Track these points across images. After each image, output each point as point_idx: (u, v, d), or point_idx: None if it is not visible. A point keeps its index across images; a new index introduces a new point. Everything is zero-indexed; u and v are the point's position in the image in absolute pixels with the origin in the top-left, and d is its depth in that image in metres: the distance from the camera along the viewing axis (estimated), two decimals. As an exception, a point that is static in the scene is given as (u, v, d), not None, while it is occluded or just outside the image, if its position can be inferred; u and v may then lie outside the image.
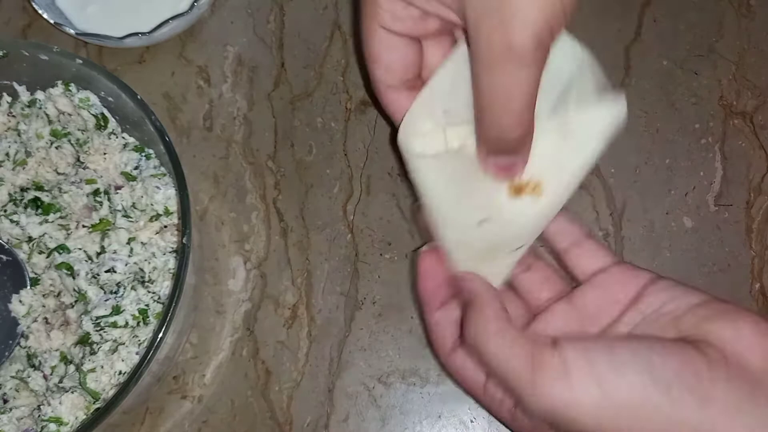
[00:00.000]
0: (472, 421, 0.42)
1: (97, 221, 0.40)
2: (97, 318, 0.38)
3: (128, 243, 0.40)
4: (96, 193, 0.40)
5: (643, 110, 0.46)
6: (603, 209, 0.45)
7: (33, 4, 0.43)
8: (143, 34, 0.43)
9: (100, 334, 0.38)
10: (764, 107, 0.46)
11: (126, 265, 0.39)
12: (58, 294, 0.40)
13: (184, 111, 0.46)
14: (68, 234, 0.40)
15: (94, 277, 0.39)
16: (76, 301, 0.39)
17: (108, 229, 0.40)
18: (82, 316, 0.38)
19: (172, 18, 0.43)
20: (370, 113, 0.46)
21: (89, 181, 0.40)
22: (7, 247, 0.40)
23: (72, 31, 0.43)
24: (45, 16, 0.43)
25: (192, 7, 0.43)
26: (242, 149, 0.45)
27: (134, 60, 0.47)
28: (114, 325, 0.38)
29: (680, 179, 0.45)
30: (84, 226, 0.40)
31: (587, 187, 0.45)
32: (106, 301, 0.38)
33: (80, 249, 0.40)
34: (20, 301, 0.39)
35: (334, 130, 0.46)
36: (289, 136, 0.46)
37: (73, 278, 0.39)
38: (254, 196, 0.45)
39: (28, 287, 0.40)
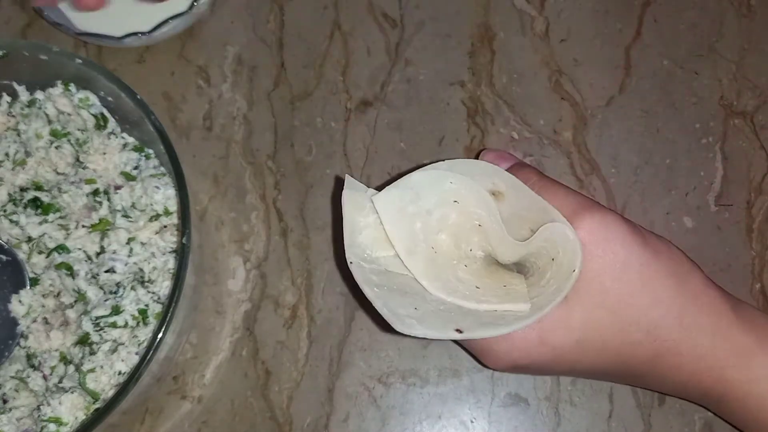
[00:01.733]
0: (472, 422, 0.42)
1: (97, 221, 0.40)
2: (97, 318, 0.38)
3: (128, 243, 0.40)
4: (95, 193, 0.40)
5: (643, 110, 0.46)
6: (603, 209, 0.45)
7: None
8: (143, 34, 0.43)
9: (99, 335, 0.38)
10: (765, 107, 0.46)
11: (125, 265, 0.39)
12: (58, 294, 0.40)
13: (183, 111, 0.46)
14: (68, 234, 0.40)
15: (93, 277, 0.39)
16: (75, 301, 0.39)
17: (108, 229, 0.40)
18: (82, 316, 0.38)
19: (172, 18, 0.43)
20: (370, 113, 0.46)
21: (89, 181, 0.40)
22: (6, 247, 0.40)
23: (72, 31, 0.43)
24: (45, 16, 0.43)
25: (192, 7, 0.43)
26: (242, 149, 0.46)
27: (134, 60, 0.47)
28: (113, 325, 0.38)
29: (680, 179, 0.45)
30: (83, 226, 0.40)
31: (587, 187, 0.45)
32: (105, 301, 0.38)
33: (80, 249, 0.40)
34: (20, 302, 0.39)
35: (334, 130, 0.46)
36: (289, 136, 0.46)
37: (73, 278, 0.39)
38: (254, 196, 0.45)
39: (28, 287, 0.40)
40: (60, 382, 0.38)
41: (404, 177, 0.34)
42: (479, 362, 0.38)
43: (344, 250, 0.32)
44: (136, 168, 0.41)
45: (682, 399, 0.40)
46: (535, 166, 0.40)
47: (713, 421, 0.42)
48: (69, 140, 0.41)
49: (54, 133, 0.40)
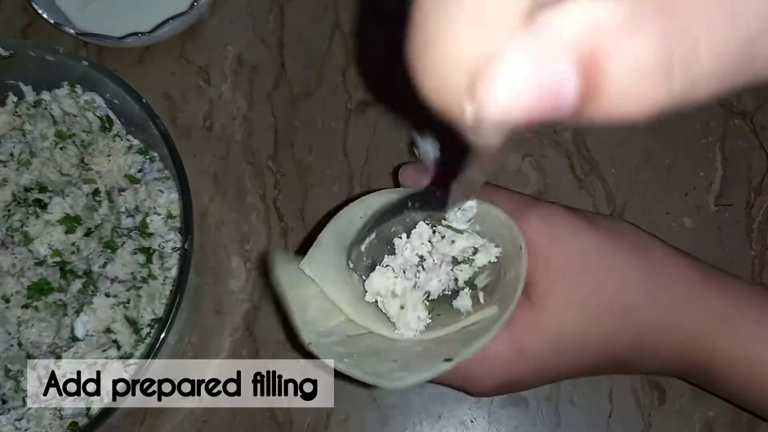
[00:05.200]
0: (472, 421, 0.43)
1: (99, 221, 0.41)
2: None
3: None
4: (96, 193, 0.41)
5: (643, 110, 0.48)
6: (603, 209, 0.46)
7: (33, 4, 0.44)
8: (143, 33, 0.44)
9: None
10: (764, 107, 0.48)
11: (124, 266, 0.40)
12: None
13: (184, 111, 0.47)
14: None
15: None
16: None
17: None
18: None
19: (172, 18, 0.44)
20: (370, 113, 0.47)
21: (88, 181, 0.41)
22: None
23: (72, 31, 0.44)
24: (45, 16, 0.44)
25: (192, 7, 0.44)
26: (242, 149, 0.47)
27: (134, 60, 0.48)
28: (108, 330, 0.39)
29: (680, 179, 0.46)
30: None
31: (587, 187, 0.46)
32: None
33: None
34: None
35: (334, 130, 0.47)
36: (289, 136, 0.47)
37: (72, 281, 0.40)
38: (254, 196, 0.46)
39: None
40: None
41: (320, 234, 0.33)
42: (466, 392, 0.36)
43: (296, 333, 0.31)
44: (140, 171, 0.42)
45: (669, 377, 0.40)
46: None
47: (713, 421, 0.43)
48: (74, 141, 0.41)
49: (59, 134, 0.41)
